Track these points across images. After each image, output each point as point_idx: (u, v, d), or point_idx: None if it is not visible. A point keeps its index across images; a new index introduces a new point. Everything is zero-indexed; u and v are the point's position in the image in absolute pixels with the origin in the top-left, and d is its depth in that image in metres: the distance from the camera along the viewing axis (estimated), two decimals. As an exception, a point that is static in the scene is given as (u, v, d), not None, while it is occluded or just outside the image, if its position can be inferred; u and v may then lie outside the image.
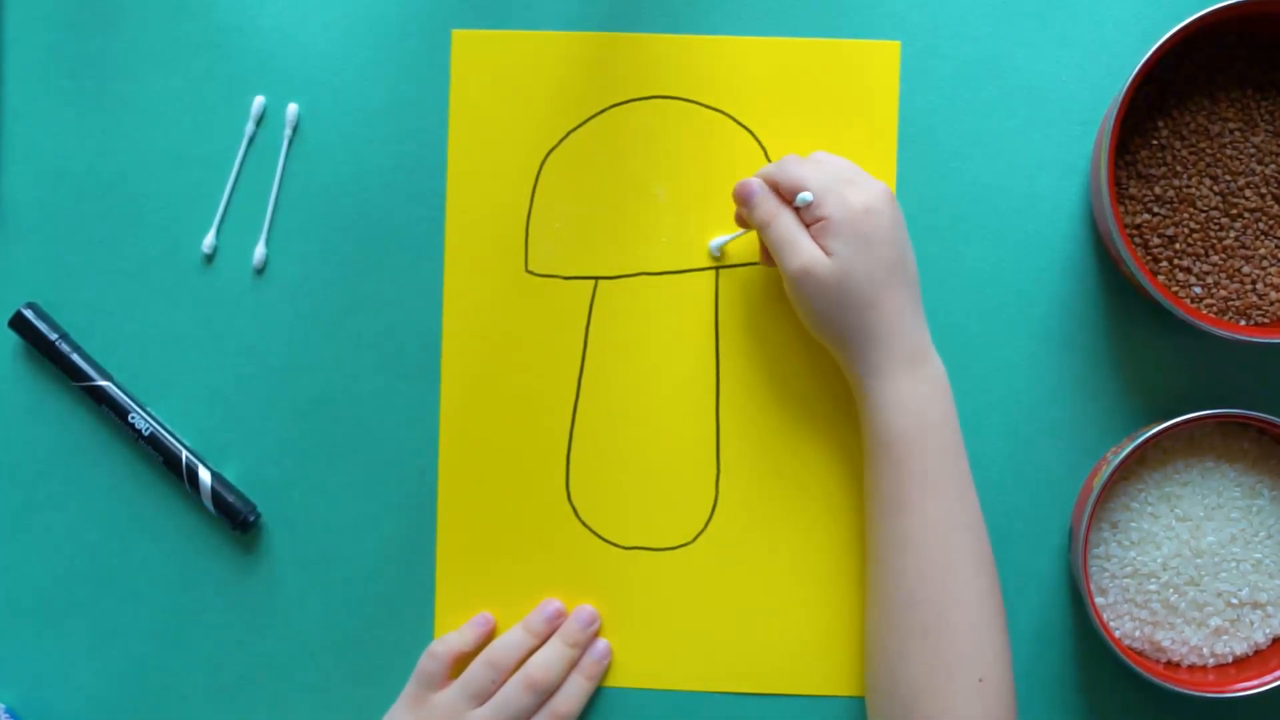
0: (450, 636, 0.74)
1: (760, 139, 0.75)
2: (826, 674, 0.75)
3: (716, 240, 0.75)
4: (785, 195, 0.70)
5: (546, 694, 0.73)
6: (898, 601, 0.67)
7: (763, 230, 0.70)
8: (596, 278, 0.76)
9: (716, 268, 0.75)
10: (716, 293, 0.75)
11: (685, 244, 0.75)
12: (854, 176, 0.70)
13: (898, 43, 0.75)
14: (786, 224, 0.69)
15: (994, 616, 0.67)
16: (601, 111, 0.76)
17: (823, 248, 0.68)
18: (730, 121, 0.75)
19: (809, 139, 0.75)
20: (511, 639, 0.74)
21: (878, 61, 0.75)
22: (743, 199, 0.71)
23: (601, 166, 0.76)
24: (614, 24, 0.76)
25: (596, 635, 0.75)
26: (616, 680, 0.75)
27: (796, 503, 0.75)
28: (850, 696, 0.75)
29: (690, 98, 0.75)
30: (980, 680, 0.65)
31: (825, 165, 0.70)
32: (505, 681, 0.73)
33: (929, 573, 0.66)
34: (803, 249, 0.68)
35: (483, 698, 0.73)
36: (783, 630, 0.75)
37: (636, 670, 0.75)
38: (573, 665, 0.74)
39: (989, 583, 0.67)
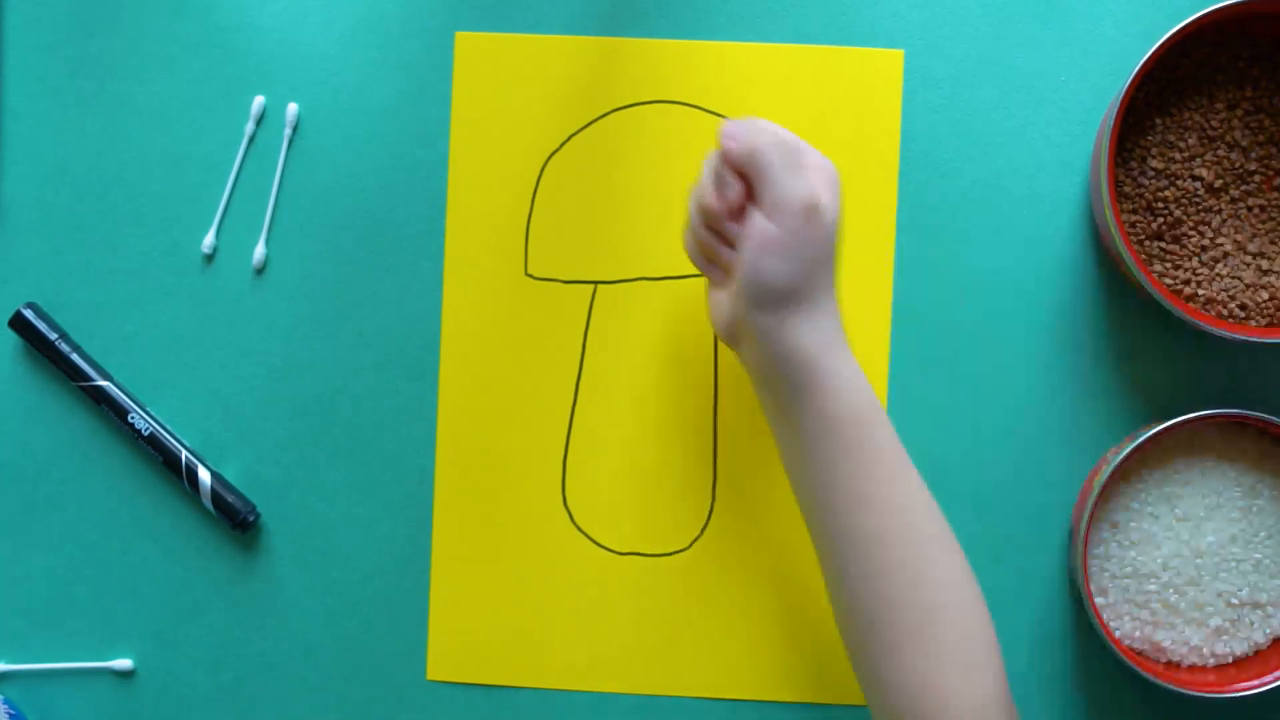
0: None
1: (761, 142, 0.75)
2: (821, 681, 0.75)
3: None
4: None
5: None
6: (884, 599, 0.62)
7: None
8: (596, 282, 0.76)
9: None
10: (715, 296, 0.75)
11: (685, 249, 0.75)
12: (800, 152, 0.64)
13: (900, 51, 0.75)
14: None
15: (976, 594, 0.63)
16: (603, 115, 0.76)
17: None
18: (731, 125, 0.75)
19: (810, 143, 0.74)
20: None
21: (880, 70, 0.75)
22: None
23: (603, 170, 0.76)
24: (617, 28, 0.76)
25: None
26: (609, 686, 0.75)
27: (793, 510, 0.75)
28: (843, 704, 0.75)
29: (692, 102, 0.75)
30: (978, 659, 0.62)
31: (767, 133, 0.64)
32: None
33: (908, 564, 0.62)
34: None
35: None
36: (777, 637, 0.75)
37: (629, 676, 0.75)
38: None
39: (961, 559, 0.64)
